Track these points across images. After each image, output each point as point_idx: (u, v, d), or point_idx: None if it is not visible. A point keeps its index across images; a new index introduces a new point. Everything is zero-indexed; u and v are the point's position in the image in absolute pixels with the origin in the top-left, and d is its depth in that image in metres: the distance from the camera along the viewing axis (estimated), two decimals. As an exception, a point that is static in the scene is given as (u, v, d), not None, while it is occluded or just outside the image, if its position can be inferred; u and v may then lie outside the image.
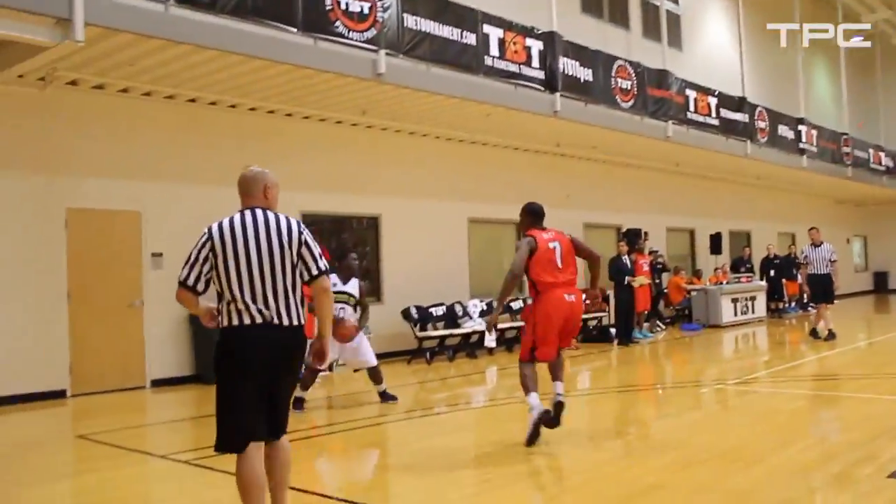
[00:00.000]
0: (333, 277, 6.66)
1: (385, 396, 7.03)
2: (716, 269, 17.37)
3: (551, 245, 5.06)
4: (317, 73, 8.38)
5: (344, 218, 10.83)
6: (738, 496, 3.65)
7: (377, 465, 4.59)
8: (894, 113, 26.47)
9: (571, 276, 5.17)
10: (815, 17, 20.76)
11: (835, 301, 12.36)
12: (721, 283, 15.98)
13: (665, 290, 16.00)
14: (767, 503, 3.57)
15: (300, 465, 3.62)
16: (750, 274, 17.46)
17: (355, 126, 10.87)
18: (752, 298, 16.03)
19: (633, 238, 14.03)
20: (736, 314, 15.53)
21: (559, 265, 5.06)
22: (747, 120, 16.03)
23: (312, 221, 9.94)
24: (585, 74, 11.82)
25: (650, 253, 15.28)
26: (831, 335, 12.06)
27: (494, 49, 10.20)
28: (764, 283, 17.10)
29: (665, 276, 16.12)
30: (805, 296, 15.16)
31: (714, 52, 18.40)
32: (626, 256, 13.15)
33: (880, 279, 28.06)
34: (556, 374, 5.17)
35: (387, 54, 8.89)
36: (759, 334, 14.36)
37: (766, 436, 4.89)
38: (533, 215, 5.19)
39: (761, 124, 16.44)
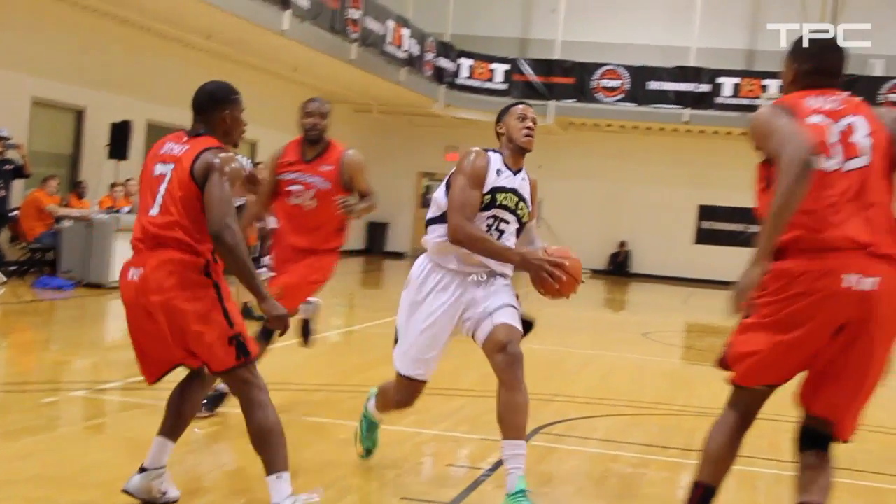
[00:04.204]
0: None
1: None
2: (114, 186, 16.08)
3: None
4: None
5: None
6: None
7: None
8: None
9: None
10: None
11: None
12: (119, 210, 15.26)
13: (14, 212, 14.70)
14: None
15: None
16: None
17: None
18: None
19: None
20: (139, 267, 14.33)
21: None
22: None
23: None
24: None
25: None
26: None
27: None
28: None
29: (20, 185, 14.87)
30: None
31: None
32: None
33: (376, 233, 28.88)
34: None
35: None
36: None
37: None
38: None
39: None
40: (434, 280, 4.92)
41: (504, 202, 4.94)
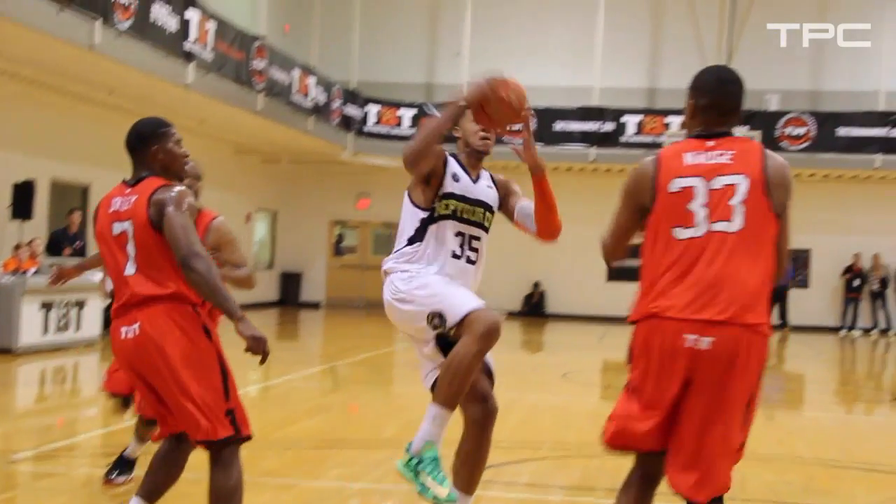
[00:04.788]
0: None
1: None
2: (18, 247, 15.56)
3: None
4: None
5: None
6: None
7: None
8: (339, 13, 26.36)
9: None
10: None
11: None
12: (26, 272, 14.79)
13: None
14: None
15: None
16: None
17: None
18: (81, 305, 15.35)
19: None
20: (48, 331, 14.74)
21: None
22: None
23: None
24: None
25: None
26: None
27: None
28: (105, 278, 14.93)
29: None
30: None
31: None
32: None
33: (290, 284, 28.09)
34: None
35: None
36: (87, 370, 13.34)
37: None
38: None
39: (124, -3, 15.24)
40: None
41: (465, 215, 4.81)
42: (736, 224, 3.72)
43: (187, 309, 4.20)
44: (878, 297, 24.53)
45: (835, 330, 24.96)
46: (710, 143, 3.82)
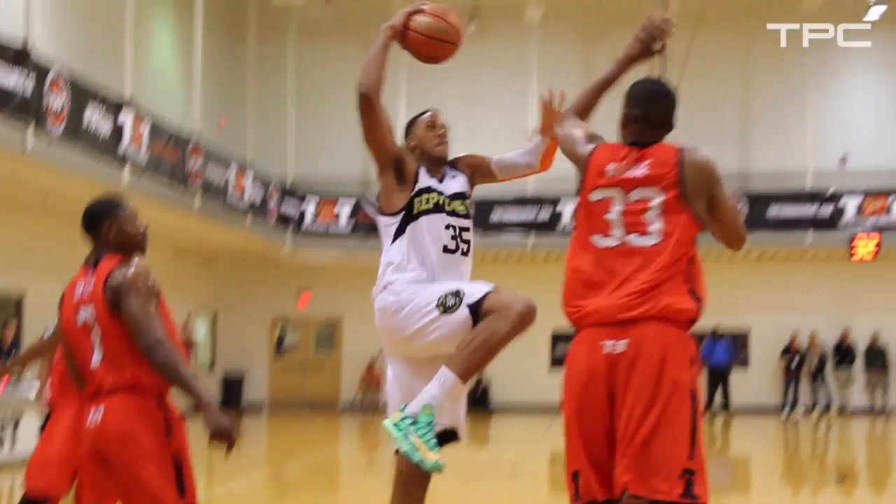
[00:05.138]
0: None
1: None
2: None
3: None
4: None
5: None
6: None
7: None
8: (274, 107, 26.31)
9: None
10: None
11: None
12: None
13: None
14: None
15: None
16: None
17: None
18: (16, 422, 14.72)
19: None
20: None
21: None
22: (34, 91, 14.53)
23: None
24: None
25: None
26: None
27: None
28: None
29: None
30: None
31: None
32: None
33: (231, 386, 26.95)
34: None
35: None
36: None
37: None
38: None
39: (57, 101, 15.31)
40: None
41: (450, 207, 4.73)
42: (650, 237, 3.82)
43: (149, 402, 4.17)
44: (818, 375, 24.77)
45: (777, 409, 25.09)
46: (635, 154, 3.91)
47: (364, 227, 25.81)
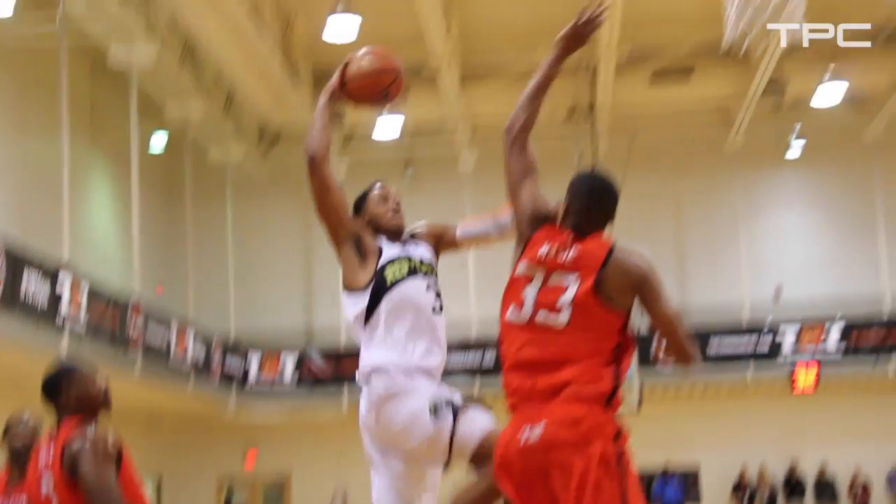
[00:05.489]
0: None
1: None
2: None
3: None
4: None
5: None
6: None
7: None
8: (213, 263, 26.10)
9: None
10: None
11: None
12: None
13: None
14: None
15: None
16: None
17: None
18: None
19: None
20: None
21: None
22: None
23: None
24: None
25: None
26: None
27: None
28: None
29: None
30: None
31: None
32: None
33: None
34: None
35: None
36: None
37: None
38: None
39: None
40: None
41: (422, 270, 4.69)
42: (561, 321, 3.80)
43: None
44: (769, 509, 24.59)
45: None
46: (569, 241, 3.92)
47: (309, 381, 25.50)
